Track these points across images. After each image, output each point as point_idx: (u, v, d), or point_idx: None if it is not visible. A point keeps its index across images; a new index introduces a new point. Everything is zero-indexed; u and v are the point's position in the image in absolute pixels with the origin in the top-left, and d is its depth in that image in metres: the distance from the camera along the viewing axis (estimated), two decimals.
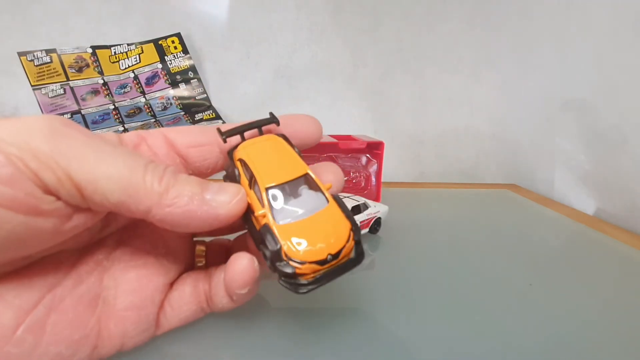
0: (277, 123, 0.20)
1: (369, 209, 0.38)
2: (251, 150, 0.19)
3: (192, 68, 0.62)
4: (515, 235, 0.43)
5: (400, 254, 0.37)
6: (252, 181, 0.18)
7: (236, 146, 0.20)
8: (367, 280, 0.32)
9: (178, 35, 0.61)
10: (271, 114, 0.21)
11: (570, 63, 0.55)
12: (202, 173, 0.21)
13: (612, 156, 0.49)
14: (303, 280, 0.17)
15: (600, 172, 0.52)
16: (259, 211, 0.18)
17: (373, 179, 0.52)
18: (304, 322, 0.25)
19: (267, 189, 0.18)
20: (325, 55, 0.65)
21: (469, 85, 0.68)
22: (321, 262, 0.17)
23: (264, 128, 0.21)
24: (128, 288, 0.18)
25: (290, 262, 0.17)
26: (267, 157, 0.19)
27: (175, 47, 0.61)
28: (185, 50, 0.61)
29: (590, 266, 0.36)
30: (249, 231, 0.19)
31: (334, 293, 0.29)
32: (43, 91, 0.56)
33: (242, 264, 0.18)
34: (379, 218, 0.40)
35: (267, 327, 0.24)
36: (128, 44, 0.60)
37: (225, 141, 0.20)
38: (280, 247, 0.17)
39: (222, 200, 0.17)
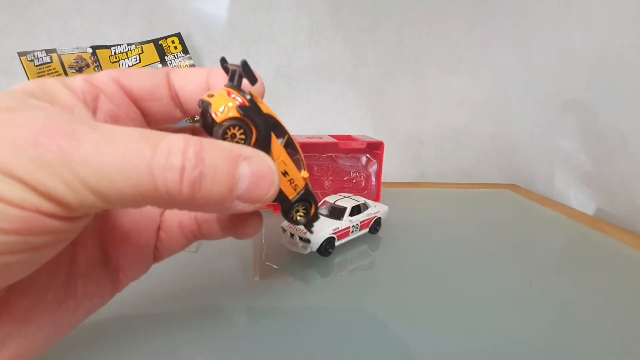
0: (254, 81, 0.18)
1: (369, 209, 0.38)
2: (264, 105, 0.18)
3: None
4: (515, 235, 0.43)
5: (400, 254, 0.37)
6: (287, 141, 0.18)
7: (244, 98, 0.17)
8: (367, 280, 0.32)
9: (178, 35, 0.61)
10: (248, 67, 0.17)
11: (570, 63, 0.55)
12: (158, 122, 0.20)
13: (612, 156, 0.49)
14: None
15: (600, 172, 0.52)
16: (301, 173, 0.19)
17: (373, 179, 0.52)
18: (304, 321, 0.25)
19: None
20: (325, 55, 0.65)
21: (469, 85, 0.68)
22: None
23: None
24: (124, 245, 0.19)
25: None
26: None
27: (175, 47, 0.61)
28: (185, 50, 0.61)
29: (590, 266, 0.36)
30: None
31: (334, 293, 0.29)
32: None
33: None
34: (379, 218, 0.40)
35: (267, 326, 0.24)
36: (128, 44, 0.60)
37: (225, 69, 0.18)
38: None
39: (258, 199, 0.15)
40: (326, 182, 0.52)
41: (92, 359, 0.21)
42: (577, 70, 0.54)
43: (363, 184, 0.52)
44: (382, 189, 0.50)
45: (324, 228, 0.33)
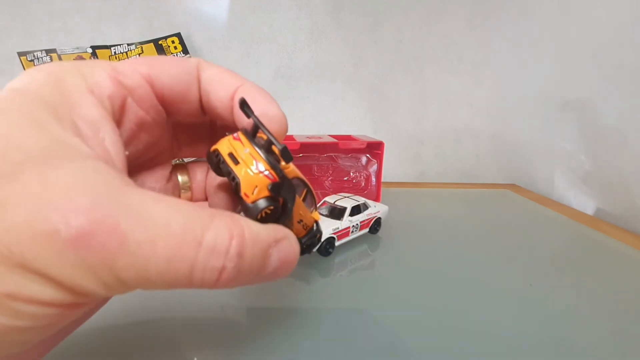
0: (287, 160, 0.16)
1: (369, 209, 0.38)
2: (289, 166, 0.18)
3: None
4: (515, 235, 0.43)
5: (400, 254, 0.37)
6: (306, 194, 0.19)
7: (271, 157, 0.16)
8: (367, 280, 0.32)
9: (178, 35, 0.61)
10: (285, 150, 0.16)
11: (570, 63, 0.55)
12: (181, 120, 0.19)
13: (612, 156, 0.49)
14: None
15: (600, 172, 0.52)
16: (313, 214, 0.20)
17: (373, 179, 0.52)
18: (304, 321, 0.25)
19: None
20: (325, 55, 0.65)
21: (469, 85, 0.68)
22: None
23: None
24: None
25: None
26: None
27: (175, 47, 0.61)
28: (185, 50, 0.61)
29: (590, 266, 0.36)
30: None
31: (334, 293, 0.29)
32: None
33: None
34: (379, 218, 0.40)
35: (267, 326, 0.24)
36: (128, 44, 0.60)
37: (245, 113, 0.16)
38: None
39: (276, 278, 0.15)
40: (326, 182, 0.52)
41: (90, 358, 0.21)
42: (577, 70, 0.54)
43: (363, 184, 0.52)
44: (382, 189, 0.50)
45: (324, 228, 0.33)
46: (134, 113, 0.16)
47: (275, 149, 0.16)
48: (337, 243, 0.35)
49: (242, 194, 0.15)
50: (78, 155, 0.13)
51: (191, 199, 0.21)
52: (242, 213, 0.16)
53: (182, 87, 0.17)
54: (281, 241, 0.15)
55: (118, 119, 0.16)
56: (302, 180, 0.19)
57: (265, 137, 0.16)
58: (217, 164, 0.17)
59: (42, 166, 0.11)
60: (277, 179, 0.16)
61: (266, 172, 0.16)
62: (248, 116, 0.16)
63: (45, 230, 0.11)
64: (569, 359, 0.23)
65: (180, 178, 0.21)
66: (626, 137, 0.47)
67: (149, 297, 0.27)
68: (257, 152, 0.16)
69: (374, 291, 0.30)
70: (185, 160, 0.23)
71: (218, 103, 0.18)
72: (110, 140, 0.15)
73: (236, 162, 0.16)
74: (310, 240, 0.20)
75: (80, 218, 0.11)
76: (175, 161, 0.22)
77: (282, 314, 0.26)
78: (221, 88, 0.17)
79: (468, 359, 0.22)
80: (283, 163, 0.16)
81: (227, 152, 0.16)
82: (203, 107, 0.18)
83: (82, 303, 0.12)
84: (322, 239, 0.33)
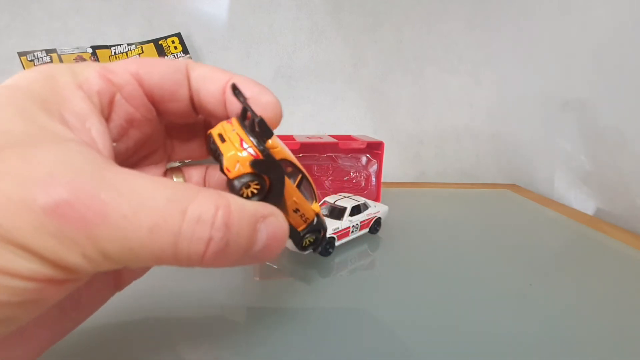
0: (269, 135, 0.17)
1: (369, 209, 0.38)
2: (279, 145, 0.17)
3: None
4: (515, 235, 0.43)
5: (400, 254, 0.37)
6: (301, 181, 0.19)
7: (259, 136, 0.16)
8: (367, 280, 0.32)
9: (178, 35, 0.61)
10: (263, 123, 0.16)
11: (570, 63, 0.55)
12: (172, 120, 0.19)
13: (612, 156, 0.49)
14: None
15: (600, 172, 0.52)
16: (312, 206, 0.19)
17: (373, 179, 0.52)
18: (304, 321, 0.25)
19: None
20: (325, 55, 0.65)
21: (469, 85, 0.68)
22: None
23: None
24: None
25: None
26: (291, 154, 0.18)
27: (175, 47, 0.61)
28: (185, 50, 0.61)
29: (590, 266, 0.36)
30: None
31: (334, 293, 0.29)
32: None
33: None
34: (379, 218, 0.40)
35: (267, 326, 0.24)
36: (128, 44, 0.60)
37: (237, 97, 0.17)
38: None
39: (266, 258, 0.15)
40: (326, 182, 0.52)
41: (90, 359, 0.21)
42: (577, 70, 0.54)
43: (363, 184, 0.52)
44: (382, 189, 0.50)
45: None
46: (123, 109, 0.17)
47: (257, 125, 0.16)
48: (337, 243, 0.35)
49: (224, 169, 0.16)
50: (62, 139, 0.13)
51: None
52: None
53: (171, 84, 0.17)
54: (268, 217, 0.15)
55: (107, 115, 0.16)
56: (295, 165, 0.18)
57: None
58: (209, 146, 0.17)
59: (25, 147, 0.12)
60: (261, 157, 0.16)
61: (250, 149, 0.16)
62: (238, 97, 0.17)
63: (23, 200, 0.11)
64: (569, 358, 0.23)
65: (176, 179, 0.21)
66: (626, 137, 0.47)
67: (147, 296, 0.27)
68: (243, 131, 0.16)
69: (374, 291, 0.30)
70: (181, 162, 0.23)
71: (210, 98, 0.18)
72: (96, 131, 0.15)
73: (223, 140, 0.16)
74: (313, 235, 0.20)
75: (59, 188, 0.11)
76: (171, 164, 0.22)
77: (282, 314, 0.26)
78: (212, 82, 0.18)
79: (468, 359, 0.22)
80: (270, 142, 0.17)
81: (217, 133, 0.17)
82: (195, 106, 0.19)
83: (67, 279, 0.12)
84: None
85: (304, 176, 0.19)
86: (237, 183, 0.16)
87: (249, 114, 0.16)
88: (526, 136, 0.67)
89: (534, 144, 0.65)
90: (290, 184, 0.18)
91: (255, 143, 0.16)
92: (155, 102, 0.18)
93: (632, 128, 0.46)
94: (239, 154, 0.16)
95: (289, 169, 0.19)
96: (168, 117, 0.19)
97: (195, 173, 0.21)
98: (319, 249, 0.23)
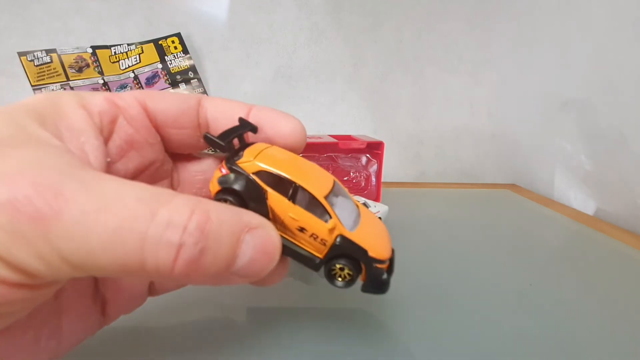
0: (255, 130, 0.17)
1: (369, 209, 0.38)
2: (268, 159, 0.16)
3: (192, 68, 0.62)
4: (515, 235, 0.43)
5: (400, 254, 0.37)
6: (294, 193, 0.16)
7: (233, 157, 0.16)
8: None
9: (178, 35, 0.61)
10: (243, 119, 0.17)
11: (570, 63, 0.55)
12: (178, 150, 0.19)
13: (612, 156, 0.49)
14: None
15: (600, 172, 0.52)
16: (326, 223, 0.16)
17: (373, 179, 0.52)
18: (303, 322, 0.25)
19: (325, 198, 0.16)
20: (325, 55, 0.65)
21: (469, 85, 0.68)
22: (391, 260, 0.18)
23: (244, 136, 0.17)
24: (116, 281, 0.18)
25: (378, 265, 0.17)
26: (293, 165, 0.17)
27: (175, 47, 0.61)
28: (185, 50, 0.61)
29: (590, 266, 0.36)
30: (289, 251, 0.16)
31: (334, 293, 0.29)
32: (43, 91, 0.56)
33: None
34: (379, 218, 0.40)
35: (267, 327, 0.24)
36: (128, 44, 0.60)
37: (226, 149, 0.16)
38: (367, 251, 0.16)
39: (254, 275, 0.13)
40: None
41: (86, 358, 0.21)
42: (577, 70, 0.54)
43: (363, 184, 0.52)
44: (382, 189, 0.50)
45: None
46: (124, 130, 0.16)
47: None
48: None
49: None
50: (46, 145, 0.12)
51: None
52: None
53: (175, 111, 0.17)
54: (257, 228, 0.13)
55: (107, 134, 0.16)
56: (283, 177, 0.16)
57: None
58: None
59: (4, 147, 0.11)
60: (228, 172, 0.15)
61: (222, 169, 0.16)
62: (212, 143, 0.16)
63: None
64: (568, 359, 0.23)
65: None
66: (626, 137, 0.47)
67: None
68: (224, 159, 0.16)
69: None
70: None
71: (228, 123, 0.18)
72: (90, 145, 0.14)
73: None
74: (345, 264, 0.16)
75: (22, 182, 0.10)
76: None
77: (282, 314, 0.26)
78: (230, 109, 0.18)
79: (468, 359, 0.22)
80: (243, 158, 0.16)
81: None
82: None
83: (26, 284, 0.11)
84: None
85: (297, 188, 0.16)
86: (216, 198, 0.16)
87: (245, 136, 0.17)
88: (526, 136, 0.67)
89: (534, 144, 0.65)
90: (280, 198, 0.16)
91: (227, 163, 0.15)
92: (158, 126, 0.17)
93: (632, 128, 0.46)
94: (216, 174, 0.16)
95: (279, 181, 0.16)
96: (175, 146, 0.19)
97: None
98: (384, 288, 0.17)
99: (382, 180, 0.50)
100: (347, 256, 0.16)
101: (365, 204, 0.38)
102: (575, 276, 0.33)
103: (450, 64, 0.67)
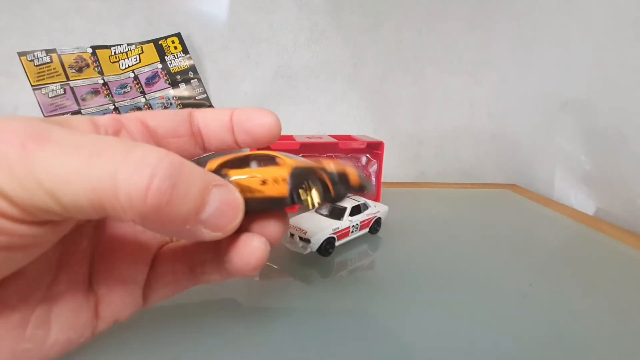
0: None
1: (369, 209, 0.38)
2: (216, 161, 0.19)
3: (192, 68, 0.62)
4: (515, 235, 0.43)
5: (400, 254, 0.37)
6: (247, 161, 0.19)
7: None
8: (367, 280, 0.32)
9: (178, 35, 0.61)
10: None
11: (570, 63, 0.55)
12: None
13: (612, 156, 0.49)
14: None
15: (600, 172, 0.52)
16: (279, 166, 0.18)
17: (373, 179, 0.52)
18: (304, 322, 0.25)
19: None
20: (326, 55, 0.65)
21: (469, 85, 0.68)
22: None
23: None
24: (111, 274, 0.18)
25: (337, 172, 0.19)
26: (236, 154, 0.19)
27: (175, 47, 0.61)
28: (185, 50, 0.61)
29: (590, 266, 0.36)
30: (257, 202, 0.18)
31: (334, 293, 0.29)
32: (43, 91, 0.56)
33: (256, 245, 0.17)
34: (379, 218, 0.40)
35: (267, 327, 0.24)
36: (128, 44, 0.60)
37: (224, 176, 0.18)
38: (317, 167, 0.18)
39: (222, 226, 0.15)
40: None
41: (87, 357, 0.21)
42: (577, 70, 0.54)
43: None
44: (382, 189, 0.50)
45: (324, 228, 0.33)
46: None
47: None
48: (337, 243, 0.35)
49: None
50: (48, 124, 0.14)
51: None
52: None
53: (173, 123, 0.19)
54: (223, 185, 0.15)
55: None
56: (233, 159, 0.19)
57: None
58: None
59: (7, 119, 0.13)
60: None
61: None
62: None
63: None
64: (569, 359, 0.23)
65: None
66: (626, 137, 0.47)
67: None
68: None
69: (374, 291, 0.30)
70: None
71: (214, 133, 0.20)
72: None
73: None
74: (308, 183, 0.18)
75: (15, 123, 0.12)
76: None
77: (282, 314, 0.26)
78: (215, 119, 0.20)
79: (468, 359, 0.22)
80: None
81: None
82: (203, 145, 0.20)
83: (18, 217, 0.12)
84: (322, 239, 0.33)
85: (248, 157, 0.19)
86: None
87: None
88: (526, 136, 0.67)
89: (534, 144, 0.65)
90: (237, 171, 0.18)
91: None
92: (158, 139, 0.19)
93: (632, 128, 0.46)
94: None
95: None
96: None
97: None
98: (339, 199, 0.19)
99: (382, 180, 0.50)
100: (306, 180, 0.18)
101: (365, 204, 0.38)
102: (575, 276, 0.33)
103: (450, 64, 0.67)
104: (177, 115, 0.20)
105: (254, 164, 0.19)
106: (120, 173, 0.11)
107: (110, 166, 0.12)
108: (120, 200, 0.12)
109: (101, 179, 0.11)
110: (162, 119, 0.19)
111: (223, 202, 0.14)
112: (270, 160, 0.19)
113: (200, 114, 0.20)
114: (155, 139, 0.19)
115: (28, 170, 0.11)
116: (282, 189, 0.18)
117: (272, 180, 0.18)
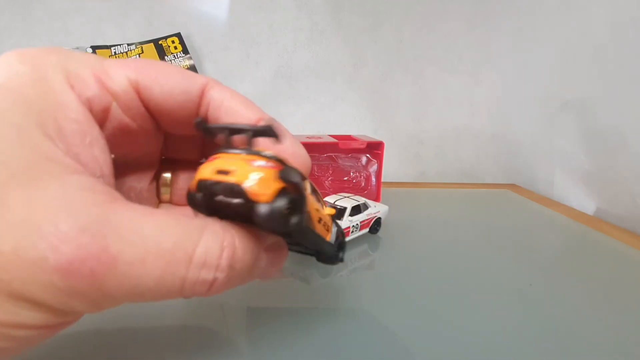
0: (277, 137, 0.14)
1: (369, 209, 0.38)
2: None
3: (192, 68, 0.62)
4: (515, 235, 0.43)
5: (400, 254, 0.37)
6: (314, 191, 0.18)
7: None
8: (367, 280, 0.32)
9: (178, 35, 0.61)
10: (271, 127, 0.14)
11: (570, 63, 0.55)
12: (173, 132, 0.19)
13: (612, 156, 0.49)
14: None
15: (600, 172, 0.52)
16: (326, 211, 0.19)
17: (373, 179, 0.52)
18: (303, 321, 0.25)
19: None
20: (325, 55, 0.65)
21: (469, 85, 0.68)
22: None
23: (259, 140, 0.15)
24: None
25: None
26: None
27: (175, 47, 0.61)
28: (185, 50, 0.61)
29: (590, 266, 0.36)
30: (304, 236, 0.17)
31: (334, 293, 0.29)
32: None
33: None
34: (379, 218, 0.40)
35: (267, 327, 0.24)
36: (128, 44, 0.60)
37: (209, 134, 0.15)
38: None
39: (263, 278, 0.17)
40: (326, 182, 0.52)
41: (85, 357, 0.21)
42: (577, 70, 0.54)
43: (363, 184, 0.52)
44: (382, 189, 0.50)
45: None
46: (118, 119, 0.16)
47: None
48: None
49: (247, 193, 0.13)
50: (62, 171, 0.12)
51: (170, 200, 0.21)
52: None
53: (173, 103, 0.16)
54: (270, 246, 0.16)
55: (100, 122, 0.15)
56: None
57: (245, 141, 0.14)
58: (205, 196, 0.14)
59: (27, 186, 0.11)
60: (282, 166, 0.14)
61: (261, 163, 0.13)
62: (208, 132, 0.15)
63: (32, 258, 0.10)
64: (569, 358, 0.23)
65: (164, 175, 0.21)
66: (626, 137, 0.47)
67: None
68: (247, 153, 0.14)
69: (374, 291, 0.30)
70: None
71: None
72: (98, 146, 0.14)
73: (227, 173, 0.13)
74: (338, 241, 0.20)
75: (68, 245, 0.11)
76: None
77: (282, 314, 0.26)
78: (243, 117, 0.17)
79: (468, 359, 0.22)
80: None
81: (215, 171, 0.14)
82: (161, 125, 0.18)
83: (70, 321, 0.13)
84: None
85: (311, 183, 0.17)
86: (271, 209, 0.13)
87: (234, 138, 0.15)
88: (526, 136, 0.67)
89: (534, 144, 0.65)
90: (311, 198, 0.16)
91: (265, 155, 0.14)
92: (153, 114, 0.17)
93: (632, 128, 0.46)
94: (256, 172, 0.13)
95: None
96: (170, 131, 0.18)
97: (184, 170, 0.21)
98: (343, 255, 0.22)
99: (382, 180, 0.50)
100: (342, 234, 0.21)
101: (365, 204, 0.38)
102: (575, 276, 0.33)
103: (450, 64, 0.67)
104: (183, 94, 0.16)
105: (313, 189, 0.18)
106: (187, 284, 0.13)
107: (178, 281, 0.13)
108: (185, 297, 0.13)
109: (170, 292, 0.13)
110: (160, 94, 0.16)
111: (269, 263, 0.16)
112: (316, 192, 0.18)
113: (222, 108, 0.17)
114: (150, 113, 0.16)
115: (104, 295, 0.12)
116: (326, 235, 0.19)
117: (325, 222, 0.18)
